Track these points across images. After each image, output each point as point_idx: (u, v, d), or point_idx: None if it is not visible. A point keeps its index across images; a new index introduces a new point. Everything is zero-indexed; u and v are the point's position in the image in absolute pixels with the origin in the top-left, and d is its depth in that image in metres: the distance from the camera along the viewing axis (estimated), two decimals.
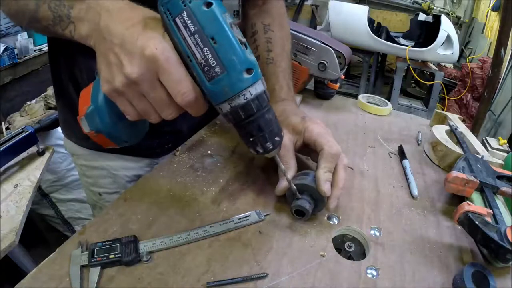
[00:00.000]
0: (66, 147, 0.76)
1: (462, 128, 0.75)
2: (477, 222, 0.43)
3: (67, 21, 0.42)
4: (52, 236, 1.57)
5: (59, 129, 1.34)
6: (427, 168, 0.66)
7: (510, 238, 0.41)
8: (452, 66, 3.71)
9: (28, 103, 1.75)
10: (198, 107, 0.38)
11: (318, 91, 0.92)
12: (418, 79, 3.28)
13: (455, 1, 4.07)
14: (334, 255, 0.43)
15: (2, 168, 1.07)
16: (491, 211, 0.46)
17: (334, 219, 0.50)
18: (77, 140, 0.71)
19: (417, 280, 0.41)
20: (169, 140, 0.71)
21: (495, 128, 2.45)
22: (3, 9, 0.49)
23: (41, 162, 1.15)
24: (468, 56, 3.71)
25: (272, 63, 0.65)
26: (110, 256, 0.38)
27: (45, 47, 2.19)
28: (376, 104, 0.90)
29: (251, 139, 0.41)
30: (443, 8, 4.07)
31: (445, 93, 3.25)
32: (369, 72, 3.47)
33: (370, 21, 3.18)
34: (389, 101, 0.91)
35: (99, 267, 0.37)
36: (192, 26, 0.34)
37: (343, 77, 0.91)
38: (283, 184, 0.48)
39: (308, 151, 0.55)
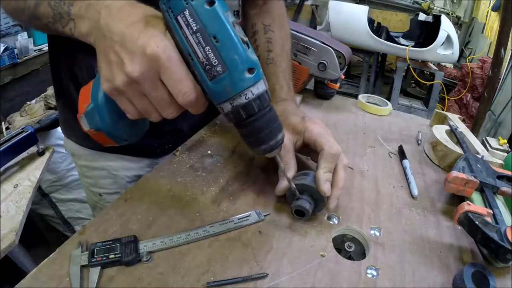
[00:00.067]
0: (66, 147, 0.76)
1: (462, 128, 0.75)
2: (477, 222, 0.43)
3: (67, 19, 0.41)
4: (52, 236, 1.57)
5: (59, 129, 1.34)
6: (427, 168, 0.66)
7: (510, 238, 0.41)
8: (452, 66, 3.71)
9: (28, 103, 1.74)
10: (199, 106, 0.38)
11: (318, 91, 0.92)
12: (418, 79, 3.28)
13: (455, 1, 4.07)
14: (334, 255, 0.43)
15: (2, 168, 1.07)
16: (491, 211, 0.46)
17: (334, 219, 0.50)
18: (77, 139, 0.71)
19: (417, 280, 0.41)
20: (170, 140, 0.71)
21: (495, 128, 2.45)
22: (3, 6, 0.49)
23: (41, 162, 1.15)
24: (468, 56, 3.71)
25: (272, 63, 0.65)
26: (110, 256, 0.38)
27: (45, 47, 2.19)
28: (376, 104, 0.90)
29: (252, 139, 0.41)
30: (443, 8, 4.07)
31: (445, 93, 3.25)
32: (369, 72, 3.46)
33: (370, 21, 3.18)
34: (389, 101, 0.91)
35: (99, 267, 0.37)
36: (194, 25, 0.34)
37: (343, 77, 0.91)
38: (283, 184, 0.48)
39: (308, 151, 0.55)
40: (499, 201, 0.52)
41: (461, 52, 3.70)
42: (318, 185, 0.46)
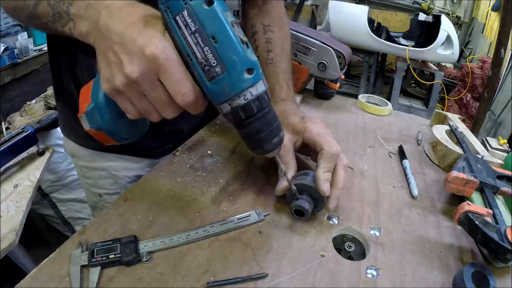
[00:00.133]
0: (65, 147, 0.76)
1: (462, 128, 0.75)
2: (477, 222, 0.43)
3: (67, 18, 0.41)
4: (52, 236, 1.57)
5: (59, 129, 1.33)
6: (427, 168, 0.66)
7: (510, 238, 0.41)
8: (452, 66, 3.71)
9: (28, 103, 1.74)
10: (198, 106, 0.38)
11: (318, 91, 0.92)
12: (418, 79, 3.28)
13: (455, 1, 4.07)
14: (334, 255, 0.43)
15: (2, 168, 1.07)
16: (491, 211, 0.46)
17: (334, 219, 0.50)
18: (77, 139, 0.71)
19: (417, 280, 0.41)
20: (170, 140, 0.71)
21: (495, 128, 2.45)
22: (3, 5, 0.49)
23: (41, 162, 1.15)
24: (468, 56, 3.71)
25: (271, 63, 0.65)
26: (110, 256, 0.38)
27: (45, 47, 2.19)
28: (376, 104, 0.90)
29: (251, 140, 0.41)
30: (443, 8, 4.07)
31: (445, 93, 3.25)
32: (369, 72, 3.46)
33: (370, 21, 3.18)
34: (389, 101, 0.91)
35: (99, 267, 0.37)
36: (192, 25, 0.34)
37: (343, 77, 0.91)
38: (283, 184, 0.48)
39: (307, 151, 0.55)
40: (499, 201, 0.52)
41: (461, 52, 3.70)
42: (317, 184, 0.46)
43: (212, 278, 0.38)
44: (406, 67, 3.11)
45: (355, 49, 3.06)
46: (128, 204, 0.47)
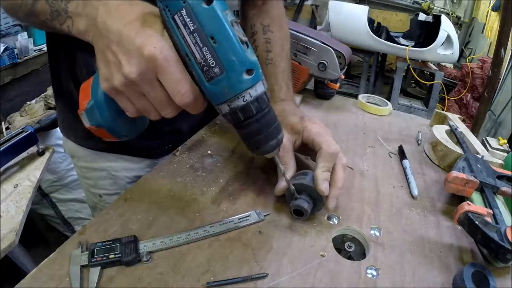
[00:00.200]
0: (65, 148, 0.76)
1: (462, 128, 0.75)
2: (477, 222, 0.43)
3: (65, 16, 0.41)
4: (52, 236, 1.57)
5: (59, 129, 1.34)
6: (427, 168, 0.66)
7: (510, 238, 0.41)
8: (452, 66, 3.71)
9: (28, 103, 1.74)
10: (197, 106, 0.38)
11: (318, 91, 0.92)
12: (418, 79, 3.28)
13: (455, 1, 4.07)
14: (334, 255, 0.43)
15: (2, 168, 1.07)
16: (491, 211, 0.46)
17: (334, 219, 0.49)
18: (77, 139, 0.71)
19: (417, 280, 0.41)
20: (170, 141, 0.71)
21: (495, 128, 2.45)
22: (2, 5, 0.49)
23: (41, 162, 1.15)
24: (468, 56, 3.71)
25: (271, 63, 0.66)
26: (110, 256, 0.38)
27: (45, 47, 2.18)
28: (376, 104, 0.90)
29: (250, 140, 0.40)
30: (443, 8, 4.07)
31: (445, 93, 3.25)
32: (369, 72, 3.46)
33: (370, 21, 3.18)
34: (389, 101, 0.91)
35: (99, 267, 0.37)
36: (191, 25, 0.33)
37: (343, 77, 0.91)
38: (282, 184, 0.48)
39: (307, 151, 0.55)
40: (499, 201, 0.52)
41: (461, 52, 3.70)
42: (316, 184, 0.46)
43: (212, 278, 0.38)
44: (406, 67, 3.11)
45: (355, 49, 3.06)
46: (128, 204, 0.47)
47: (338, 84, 0.91)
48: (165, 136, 0.70)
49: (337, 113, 0.85)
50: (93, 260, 0.38)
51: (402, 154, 0.68)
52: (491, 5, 3.36)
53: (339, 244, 0.48)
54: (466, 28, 4.08)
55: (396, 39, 3.30)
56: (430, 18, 3.33)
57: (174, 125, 0.69)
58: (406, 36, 3.51)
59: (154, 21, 0.36)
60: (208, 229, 0.44)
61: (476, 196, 0.53)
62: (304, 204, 0.46)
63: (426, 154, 0.71)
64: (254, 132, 0.39)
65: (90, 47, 0.40)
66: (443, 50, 2.92)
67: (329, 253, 0.44)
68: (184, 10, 0.33)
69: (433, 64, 3.21)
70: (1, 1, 0.49)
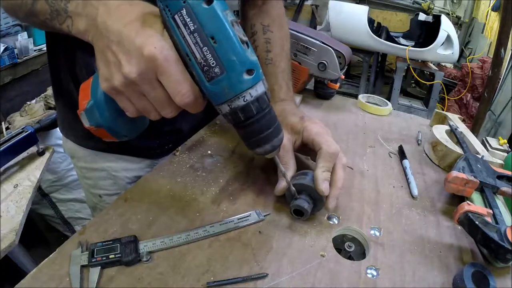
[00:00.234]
0: (65, 148, 0.76)
1: (462, 128, 0.75)
2: (477, 222, 0.43)
3: (65, 16, 0.41)
4: (52, 236, 1.57)
5: (58, 129, 1.34)
6: (427, 168, 0.66)
7: (510, 238, 0.41)
8: (452, 66, 3.71)
9: (28, 103, 1.74)
10: (197, 106, 0.38)
11: (318, 91, 0.92)
12: (418, 79, 3.28)
13: (455, 1, 4.07)
14: (334, 255, 0.43)
15: (2, 168, 1.07)
16: (491, 211, 0.46)
17: (334, 219, 0.49)
18: (76, 139, 0.71)
19: (417, 280, 0.41)
20: (170, 141, 0.71)
21: (495, 128, 2.45)
22: (2, 5, 0.49)
23: (41, 162, 1.15)
24: (468, 56, 3.71)
25: (271, 63, 0.66)
26: (110, 256, 0.38)
27: (45, 47, 2.19)
28: (376, 104, 0.90)
29: (250, 140, 0.40)
30: (443, 8, 4.07)
31: (445, 93, 3.25)
32: (369, 72, 3.47)
33: (370, 21, 3.18)
34: (389, 101, 0.91)
35: (99, 267, 0.37)
36: (191, 25, 0.33)
37: (343, 77, 0.91)
38: (282, 184, 0.48)
39: (307, 151, 0.55)
40: (499, 201, 0.52)
41: (461, 52, 3.70)
42: (316, 184, 0.46)
43: (212, 278, 0.38)
44: (406, 67, 3.11)
45: (355, 49, 3.06)
46: (128, 204, 0.47)
47: (338, 84, 0.91)
48: (165, 136, 0.70)
49: (337, 113, 0.85)
50: (93, 260, 0.38)
51: (402, 154, 0.68)
52: (491, 5, 3.36)
53: (339, 244, 0.48)
54: (466, 28, 4.08)
55: (396, 39, 3.30)
56: (430, 18, 3.33)
57: (174, 125, 0.69)
58: (406, 36, 3.51)
59: (154, 21, 0.36)
60: (208, 229, 0.44)
61: (476, 196, 0.53)
62: (304, 204, 0.46)
63: (426, 154, 0.71)
64: (254, 132, 0.39)
65: (90, 47, 0.39)
66: (443, 50, 2.92)
67: (329, 253, 0.44)
68: (184, 10, 0.33)
69: (433, 64, 3.21)
70: (1, 1, 0.49)
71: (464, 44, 4.00)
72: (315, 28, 3.67)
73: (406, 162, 0.65)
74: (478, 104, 2.28)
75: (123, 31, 0.35)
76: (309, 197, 0.47)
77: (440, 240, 0.48)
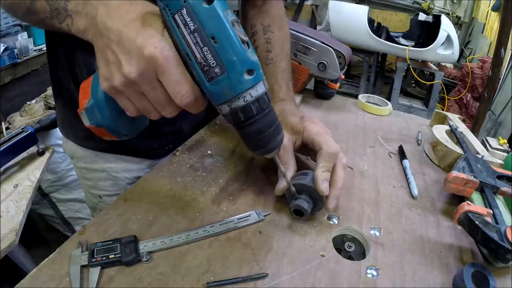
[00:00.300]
0: (64, 149, 0.75)
1: (462, 128, 0.75)
2: (477, 222, 0.43)
3: (64, 14, 0.41)
4: (52, 236, 1.57)
5: (58, 128, 1.34)
6: (427, 168, 0.66)
7: (510, 238, 0.40)
8: (452, 66, 3.71)
9: (28, 103, 1.74)
10: (197, 106, 0.38)
11: (318, 91, 0.92)
12: (418, 79, 3.28)
13: (455, 1, 4.07)
14: (334, 255, 0.43)
15: (2, 168, 1.07)
16: (491, 211, 0.46)
17: (334, 219, 0.49)
18: (76, 139, 0.71)
19: (417, 280, 0.41)
20: (170, 141, 0.71)
21: (495, 128, 2.45)
22: (2, 4, 0.49)
23: (41, 162, 1.15)
24: (468, 56, 3.71)
25: (271, 63, 0.65)
26: (110, 256, 0.38)
27: (45, 47, 2.19)
28: (376, 104, 0.90)
29: (250, 140, 0.40)
30: (443, 8, 4.07)
31: (445, 93, 3.25)
32: (369, 72, 3.47)
33: (370, 21, 3.18)
34: (389, 101, 0.91)
35: (99, 267, 0.37)
36: (191, 24, 0.33)
37: (343, 77, 0.91)
38: (282, 184, 0.48)
39: (307, 151, 0.55)
40: (499, 201, 0.52)
41: (461, 52, 3.70)
42: (316, 184, 0.46)
43: (212, 278, 0.38)
44: (406, 67, 3.11)
45: (355, 49, 3.06)
46: (128, 204, 0.47)
47: (338, 84, 0.91)
48: (166, 136, 0.70)
49: (337, 113, 0.85)
50: (93, 260, 0.38)
51: (402, 154, 0.68)
52: (491, 5, 3.36)
53: (339, 244, 0.48)
54: (466, 28, 4.08)
55: (396, 39, 3.30)
56: (430, 18, 3.33)
57: (175, 126, 0.69)
58: (406, 36, 3.50)
59: (155, 21, 0.36)
60: (208, 229, 0.44)
61: (476, 196, 0.53)
62: (304, 204, 0.46)
63: (426, 154, 0.71)
64: (254, 132, 0.39)
65: (90, 46, 0.39)
66: (443, 50, 2.92)
67: (329, 253, 0.44)
68: (184, 10, 0.33)
69: (433, 64, 3.21)
70: (2, 4, 0.49)
71: (464, 44, 4.00)
72: (315, 28, 3.67)
73: (406, 162, 0.65)
74: (478, 104, 2.28)
75: (123, 30, 0.35)
76: (309, 197, 0.47)
77: (440, 240, 0.48)
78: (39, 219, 1.55)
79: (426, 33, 3.32)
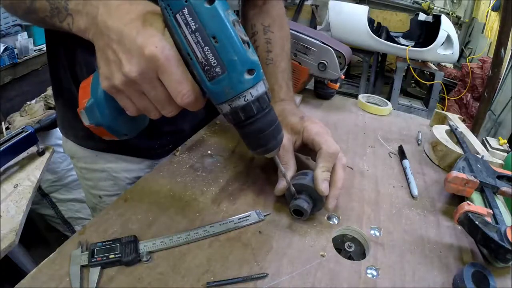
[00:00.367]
0: (64, 148, 0.75)
1: (462, 128, 0.75)
2: (477, 222, 0.43)
3: (65, 13, 0.41)
4: (52, 236, 1.57)
5: (58, 128, 1.34)
6: (427, 168, 0.66)
7: (510, 238, 0.40)
8: (452, 66, 3.71)
9: (28, 103, 1.74)
10: (197, 105, 0.38)
11: (318, 91, 0.92)
12: (418, 79, 3.28)
13: (455, 1, 4.07)
14: (334, 255, 0.43)
15: (2, 168, 1.07)
16: (491, 211, 0.46)
17: (334, 219, 0.49)
18: (76, 139, 0.71)
19: (417, 280, 0.41)
20: (170, 141, 0.71)
21: (495, 128, 2.45)
22: (2, 4, 0.49)
23: (41, 162, 1.15)
24: (468, 56, 3.71)
25: (271, 63, 0.65)
26: (110, 256, 0.38)
27: (45, 47, 2.19)
28: (376, 104, 0.90)
29: (250, 140, 0.41)
30: (443, 8, 4.07)
31: (445, 93, 3.25)
32: (369, 72, 3.46)
33: (370, 21, 3.18)
34: (389, 101, 0.91)
35: (99, 267, 0.37)
36: (193, 24, 0.33)
37: (343, 77, 0.91)
38: (282, 184, 0.48)
39: (307, 151, 0.55)
40: (499, 201, 0.52)
41: (461, 52, 3.70)
42: (315, 184, 0.46)
43: (212, 278, 0.38)
44: (406, 67, 3.11)
45: (355, 49, 3.06)
46: (128, 204, 0.47)
47: (338, 84, 0.91)
48: (166, 136, 0.70)
49: (337, 113, 0.85)
50: (93, 260, 0.38)
51: (402, 154, 0.68)
52: (491, 5, 3.35)
53: (339, 244, 0.48)
54: (466, 28, 4.08)
55: (396, 39, 3.30)
56: (430, 18, 3.33)
57: (176, 125, 0.69)
58: (406, 36, 3.50)
59: (155, 20, 0.36)
60: (208, 229, 0.44)
61: (476, 196, 0.53)
62: (304, 204, 0.46)
63: (426, 154, 0.71)
64: (254, 131, 0.39)
65: (90, 45, 0.39)
66: (443, 50, 2.92)
67: (329, 253, 0.44)
68: (186, 9, 0.33)
69: (433, 64, 3.21)
70: (2, 3, 0.49)
71: (464, 44, 4.00)
72: (315, 28, 3.67)
73: (406, 162, 0.65)
74: (478, 104, 2.28)
75: (124, 30, 0.35)
76: (309, 197, 0.47)
77: (440, 240, 0.48)
78: (39, 219, 1.55)
79: (426, 33, 3.32)
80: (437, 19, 3.06)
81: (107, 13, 0.37)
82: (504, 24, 1.64)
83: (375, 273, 0.42)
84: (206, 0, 0.33)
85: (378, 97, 0.93)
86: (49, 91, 1.85)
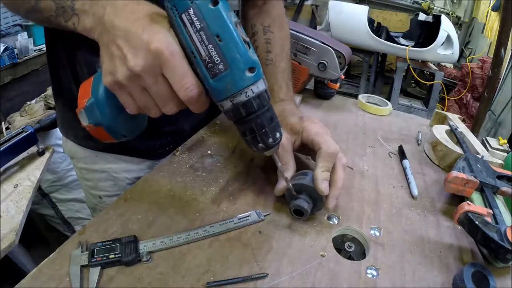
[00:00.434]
0: (64, 149, 0.75)
1: (462, 128, 0.75)
2: (477, 222, 0.43)
3: (71, 13, 0.41)
4: (52, 236, 1.57)
5: (58, 128, 1.33)
6: (427, 168, 0.66)
7: (510, 238, 0.41)
8: (452, 66, 3.71)
9: (28, 103, 1.74)
10: (200, 103, 0.38)
11: (318, 91, 0.92)
12: (418, 79, 3.28)
13: (455, 1, 4.07)
14: (334, 255, 0.43)
15: (2, 168, 1.07)
16: (491, 211, 0.46)
17: (334, 219, 0.50)
18: (76, 139, 0.71)
19: (417, 280, 0.41)
20: (170, 141, 0.71)
21: (495, 128, 2.45)
22: (3, 2, 0.49)
23: (41, 162, 1.15)
24: (468, 56, 3.71)
25: (271, 63, 0.66)
26: (110, 256, 0.38)
27: (45, 47, 2.19)
28: (376, 104, 0.90)
29: (250, 137, 0.41)
30: (443, 8, 4.07)
31: (445, 93, 3.25)
32: (369, 72, 3.46)
33: (370, 21, 3.18)
34: (389, 101, 0.91)
35: (99, 267, 0.37)
36: (198, 23, 0.35)
37: (343, 77, 0.91)
38: (281, 184, 0.48)
39: (307, 151, 0.55)
40: (499, 201, 0.52)
41: (461, 52, 3.70)
42: (315, 184, 0.46)
43: (212, 278, 0.38)
44: (406, 67, 3.11)
45: (355, 49, 3.06)
46: (128, 204, 0.47)
47: (338, 84, 0.91)
48: (166, 136, 0.70)
49: (337, 113, 0.85)
50: (93, 260, 0.38)
51: (402, 154, 0.68)
52: (491, 5, 3.35)
53: (339, 244, 0.48)
54: (466, 28, 4.08)
55: (396, 39, 3.30)
56: (430, 18, 3.33)
57: (176, 126, 0.69)
58: (406, 36, 3.50)
59: (161, 20, 0.37)
60: (208, 229, 0.44)
61: (476, 196, 0.53)
62: (304, 204, 0.46)
63: (426, 154, 0.71)
64: (254, 128, 0.40)
65: (91, 45, 0.40)
66: (443, 50, 2.92)
67: (329, 253, 0.44)
68: (191, 10, 0.34)
69: (433, 64, 3.21)
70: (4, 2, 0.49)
71: (464, 44, 3.99)
72: (315, 28, 3.67)
73: (406, 162, 0.65)
74: (478, 104, 2.28)
75: (130, 27, 0.36)
76: (309, 197, 0.47)
77: (440, 240, 0.48)
78: (39, 219, 1.55)
79: (426, 33, 3.32)
80: (437, 19, 3.06)
81: (114, 13, 0.37)
82: (504, 24, 1.64)
83: (375, 273, 0.42)
84: (211, 2, 0.34)
85: (378, 97, 0.93)
86: (49, 91, 1.85)
